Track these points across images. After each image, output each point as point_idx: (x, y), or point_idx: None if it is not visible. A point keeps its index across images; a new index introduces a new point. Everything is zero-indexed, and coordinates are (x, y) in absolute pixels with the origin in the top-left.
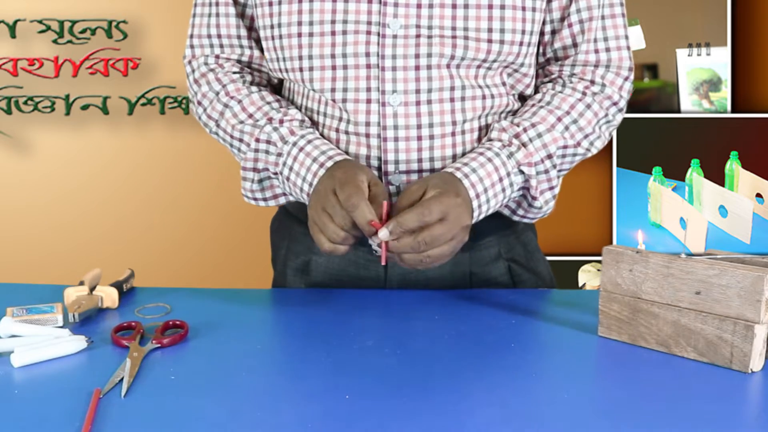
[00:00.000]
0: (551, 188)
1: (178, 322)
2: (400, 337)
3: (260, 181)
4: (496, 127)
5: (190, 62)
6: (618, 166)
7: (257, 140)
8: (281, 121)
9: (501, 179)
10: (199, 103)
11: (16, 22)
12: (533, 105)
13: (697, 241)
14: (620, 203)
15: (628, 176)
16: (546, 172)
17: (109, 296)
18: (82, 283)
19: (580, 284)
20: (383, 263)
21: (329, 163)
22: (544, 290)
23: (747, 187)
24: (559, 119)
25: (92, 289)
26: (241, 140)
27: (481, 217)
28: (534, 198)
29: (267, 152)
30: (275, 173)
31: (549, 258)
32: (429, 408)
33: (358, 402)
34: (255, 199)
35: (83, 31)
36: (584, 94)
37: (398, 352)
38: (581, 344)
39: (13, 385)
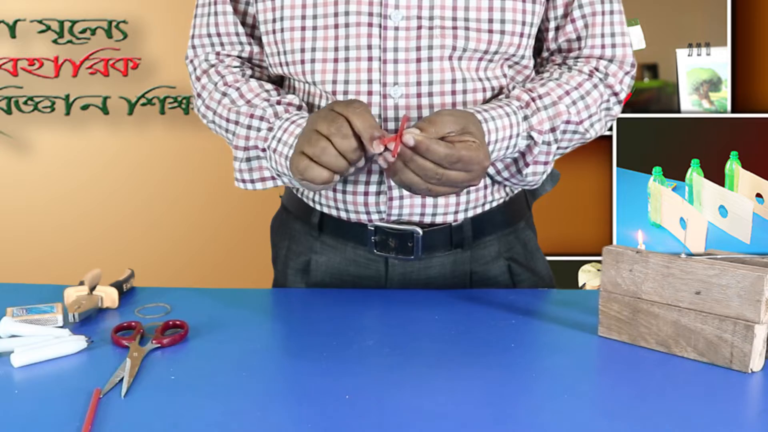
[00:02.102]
0: (546, 163)
1: (178, 322)
2: (400, 337)
3: (248, 159)
4: (516, 89)
5: (191, 61)
6: (618, 166)
7: (251, 116)
8: (278, 102)
9: (511, 137)
10: (199, 95)
11: (16, 22)
12: (541, 79)
13: (697, 241)
14: (620, 203)
15: (628, 176)
16: (548, 144)
17: (109, 296)
18: (82, 283)
19: (580, 284)
20: (394, 156)
21: None
22: (543, 290)
23: (747, 187)
24: (567, 93)
25: (92, 289)
26: (236, 122)
27: None
28: (526, 164)
29: (258, 129)
30: (264, 149)
31: (549, 258)
32: (429, 408)
33: (358, 402)
34: (243, 181)
35: (83, 31)
36: (591, 75)
37: (398, 352)
38: (581, 344)
39: (13, 385)
